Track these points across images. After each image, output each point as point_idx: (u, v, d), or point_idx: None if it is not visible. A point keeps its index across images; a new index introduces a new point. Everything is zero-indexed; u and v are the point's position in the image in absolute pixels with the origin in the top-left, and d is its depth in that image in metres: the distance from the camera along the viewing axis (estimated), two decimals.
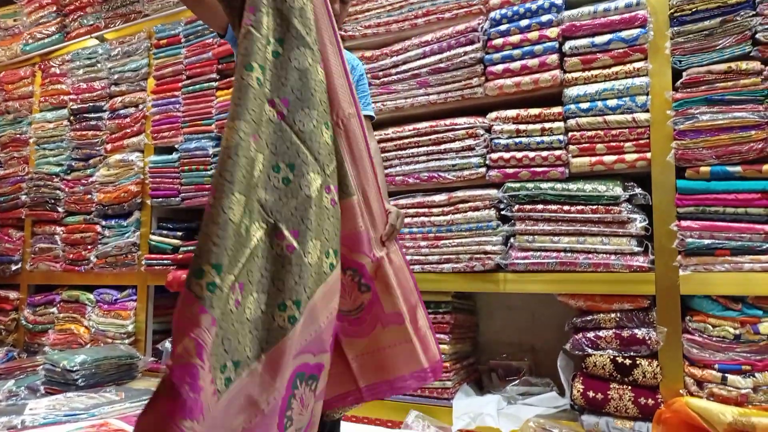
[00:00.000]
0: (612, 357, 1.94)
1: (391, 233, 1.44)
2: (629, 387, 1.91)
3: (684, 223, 1.87)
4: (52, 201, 3.49)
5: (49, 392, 2.59)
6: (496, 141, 2.23)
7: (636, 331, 1.92)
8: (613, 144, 2.03)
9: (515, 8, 2.22)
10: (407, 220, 2.39)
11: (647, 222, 1.95)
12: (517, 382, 2.28)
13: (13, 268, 3.64)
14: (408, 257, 2.36)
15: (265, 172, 1.15)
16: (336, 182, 1.29)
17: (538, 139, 2.15)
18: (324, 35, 1.32)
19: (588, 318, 2.02)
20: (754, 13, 1.81)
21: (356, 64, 1.81)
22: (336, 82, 1.33)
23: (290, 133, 1.21)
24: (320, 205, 1.22)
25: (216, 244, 0.98)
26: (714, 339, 1.79)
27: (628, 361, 1.92)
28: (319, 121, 1.24)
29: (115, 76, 3.37)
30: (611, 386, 1.93)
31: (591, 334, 1.99)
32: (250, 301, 1.07)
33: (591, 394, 1.95)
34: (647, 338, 1.89)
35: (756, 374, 1.74)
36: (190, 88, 3.07)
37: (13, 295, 3.67)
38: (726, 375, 1.76)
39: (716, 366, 1.78)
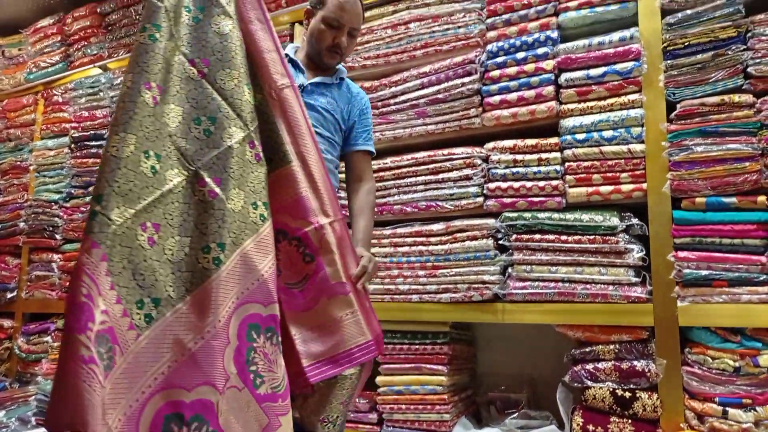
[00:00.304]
0: (612, 389, 1.92)
1: (361, 274, 1.44)
2: (629, 421, 1.89)
3: (681, 254, 1.86)
4: (50, 228, 3.49)
5: (40, 424, 2.55)
6: (494, 171, 2.25)
7: (635, 363, 1.90)
8: (610, 174, 2.04)
9: (512, 41, 2.26)
10: (405, 249, 2.38)
11: (644, 252, 1.95)
12: (515, 415, 2.24)
13: (9, 296, 3.62)
14: (406, 286, 2.35)
15: (186, 124, 1.25)
16: (259, 139, 1.35)
17: (535, 169, 2.16)
18: (251, 15, 1.43)
19: (587, 349, 2.00)
20: (745, 47, 1.85)
21: (360, 98, 1.81)
22: (266, 56, 1.42)
23: (211, 90, 1.30)
24: (243, 157, 1.30)
25: (99, 179, 1.09)
26: (714, 371, 1.77)
27: (627, 394, 1.89)
28: (240, 80, 1.34)
29: None
30: (611, 420, 1.90)
31: (590, 366, 1.97)
32: (171, 243, 1.15)
33: (591, 428, 1.92)
34: (647, 370, 1.87)
35: (757, 408, 1.71)
36: None
37: (7, 323, 3.64)
38: (727, 409, 1.73)
39: (717, 399, 1.76)
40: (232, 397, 1.15)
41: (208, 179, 1.23)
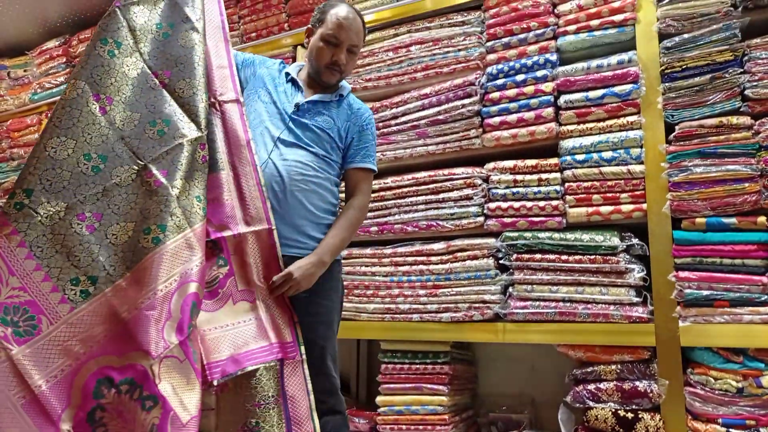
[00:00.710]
0: (614, 410, 1.91)
1: (277, 285, 1.50)
2: None
3: (682, 274, 1.87)
4: None
5: None
6: (494, 191, 2.26)
7: (637, 383, 1.89)
8: (609, 195, 2.06)
9: (511, 64, 2.29)
10: (405, 268, 2.38)
11: (645, 272, 1.96)
12: None
13: None
14: (406, 306, 2.34)
15: (141, 127, 1.40)
16: (203, 138, 1.47)
17: (536, 189, 2.18)
18: (210, 34, 1.58)
19: (588, 369, 1.99)
20: (742, 71, 1.88)
21: (360, 114, 1.81)
22: (216, 71, 1.58)
23: (170, 98, 1.45)
24: (193, 155, 1.42)
25: (31, 173, 1.25)
26: (716, 392, 1.76)
27: (630, 415, 1.88)
28: (198, 89, 1.48)
29: None
30: None
31: (592, 386, 1.96)
32: (115, 229, 1.31)
33: None
34: (649, 391, 1.86)
35: (761, 429, 1.70)
36: None
37: None
38: (730, 430, 1.72)
39: (720, 420, 1.75)
40: (174, 366, 1.24)
41: (155, 171, 1.36)
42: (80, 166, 1.30)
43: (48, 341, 1.19)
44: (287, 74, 1.81)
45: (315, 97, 1.76)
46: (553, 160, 2.17)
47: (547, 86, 2.20)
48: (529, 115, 2.22)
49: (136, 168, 1.36)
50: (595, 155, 2.08)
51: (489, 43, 2.37)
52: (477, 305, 2.21)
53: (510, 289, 2.18)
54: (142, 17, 1.48)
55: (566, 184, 2.14)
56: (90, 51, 1.39)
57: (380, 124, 2.55)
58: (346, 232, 1.70)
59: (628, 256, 2.00)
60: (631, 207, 2.02)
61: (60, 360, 1.19)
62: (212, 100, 1.54)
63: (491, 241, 2.23)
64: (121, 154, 1.35)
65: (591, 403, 1.95)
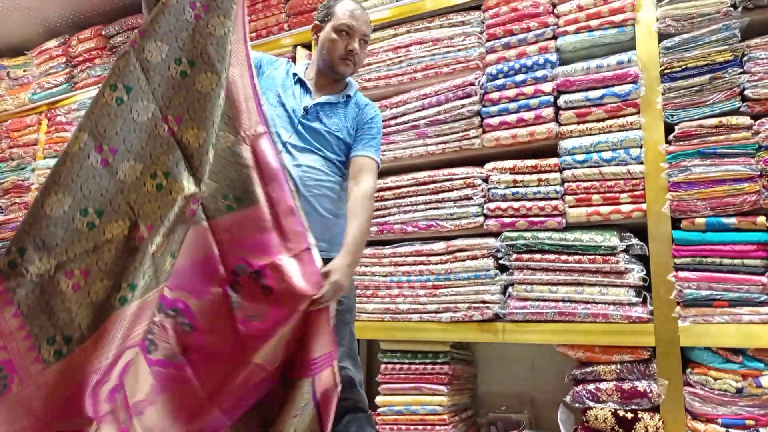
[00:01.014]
0: (613, 410, 1.91)
1: (319, 299, 1.47)
2: None
3: (681, 274, 1.87)
4: None
5: None
6: (494, 191, 2.26)
7: (637, 383, 1.89)
8: (609, 195, 2.06)
9: (511, 64, 2.29)
10: (405, 268, 2.38)
11: (645, 272, 1.96)
12: None
13: None
14: (406, 306, 2.34)
15: (141, 180, 1.34)
16: (199, 194, 1.41)
17: (535, 189, 2.18)
18: (235, 63, 1.48)
19: (588, 369, 1.99)
20: (742, 71, 1.88)
21: (367, 110, 1.81)
22: (243, 104, 1.49)
23: (176, 147, 1.37)
24: (181, 211, 1.36)
25: (26, 232, 1.21)
26: (716, 392, 1.76)
27: (629, 415, 1.88)
28: (206, 141, 1.40)
29: None
30: None
31: (591, 386, 1.96)
32: (98, 287, 1.26)
33: None
34: (648, 391, 1.86)
35: (760, 429, 1.70)
36: None
37: None
38: (730, 430, 1.72)
39: (719, 420, 1.75)
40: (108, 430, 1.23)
41: (141, 226, 1.31)
42: (75, 223, 1.26)
43: (15, 402, 1.17)
44: (294, 74, 1.81)
45: (323, 99, 1.76)
46: (553, 160, 2.17)
47: (547, 86, 2.20)
48: (528, 115, 2.22)
49: (129, 223, 1.31)
50: (594, 155, 2.08)
51: (489, 44, 2.37)
52: (477, 305, 2.21)
53: (509, 289, 2.18)
54: (158, 55, 1.37)
55: (566, 185, 2.14)
56: (98, 99, 1.32)
57: None
58: (363, 223, 1.66)
59: (627, 256, 2.00)
60: (630, 207, 2.02)
61: (22, 421, 1.18)
62: (242, 134, 1.48)
63: (491, 241, 2.23)
64: (117, 208, 1.31)
65: (590, 403, 1.95)
